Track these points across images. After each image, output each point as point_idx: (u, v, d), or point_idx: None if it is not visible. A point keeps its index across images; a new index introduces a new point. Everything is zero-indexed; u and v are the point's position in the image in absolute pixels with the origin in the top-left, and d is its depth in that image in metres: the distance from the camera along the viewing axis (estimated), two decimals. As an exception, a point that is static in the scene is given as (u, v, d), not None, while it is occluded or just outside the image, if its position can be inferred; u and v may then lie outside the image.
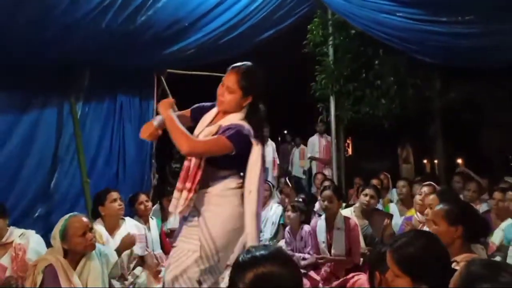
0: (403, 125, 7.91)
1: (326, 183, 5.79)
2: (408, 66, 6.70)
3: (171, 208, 2.47)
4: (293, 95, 10.39)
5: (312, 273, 3.99)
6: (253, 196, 2.36)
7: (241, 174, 2.46)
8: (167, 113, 2.41)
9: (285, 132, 11.42)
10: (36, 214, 4.61)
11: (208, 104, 2.63)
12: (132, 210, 4.20)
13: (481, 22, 4.31)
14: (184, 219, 2.50)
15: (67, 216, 2.88)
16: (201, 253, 2.36)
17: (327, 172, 7.68)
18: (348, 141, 14.08)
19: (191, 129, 2.55)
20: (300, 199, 4.78)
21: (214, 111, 2.56)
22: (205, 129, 2.48)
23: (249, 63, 2.51)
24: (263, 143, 2.45)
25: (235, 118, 2.44)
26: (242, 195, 2.42)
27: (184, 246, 2.40)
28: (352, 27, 6.55)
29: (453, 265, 2.18)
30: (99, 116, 5.17)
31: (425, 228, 3.55)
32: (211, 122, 2.52)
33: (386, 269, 1.86)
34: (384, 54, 6.72)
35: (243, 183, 2.44)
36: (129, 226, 3.68)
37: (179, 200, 2.40)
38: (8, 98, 4.56)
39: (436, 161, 9.33)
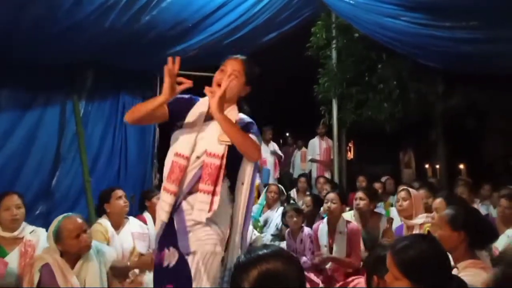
0: (405, 129, 7.91)
1: (326, 186, 5.81)
2: (411, 71, 6.71)
3: (196, 214, 2.26)
4: (296, 97, 10.40)
5: (312, 276, 3.99)
6: (245, 188, 2.30)
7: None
8: (223, 115, 2.22)
9: (287, 134, 11.41)
10: (37, 212, 4.61)
11: (186, 96, 2.47)
12: (147, 204, 4.15)
13: (485, 28, 4.30)
14: (183, 225, 2.30)
15: (60, 217, 2.85)
16: (223, 253, 2.32)
17: (327, 175, 7.68)
18: (349, 145, 14.08)
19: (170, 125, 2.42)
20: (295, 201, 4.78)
21: (203, 106, 2.39)
22: (211, 124, 2.33)
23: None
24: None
25: (235, 112, 2.39)
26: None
27: (207, 249, 2.27)
28: (356, 31, 6.56)
29: (455, 271, 2.18)
30: (102, 115, 5.18)
31: (415, 232, 3.59)
32: (207, 114, 2.36)
33: (384, 273, 1.87)
34: (387, 58, 6.73)
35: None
36: (133, 225, 3.71)
37: (206, 205, 2.24)
38: (11, 96, 4.56)
39: (437, 166, 9.32)
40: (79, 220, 2.82)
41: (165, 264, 2.31)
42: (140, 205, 4.28)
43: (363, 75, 7.03)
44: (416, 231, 3.63)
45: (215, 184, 2.24)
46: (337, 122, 7.16)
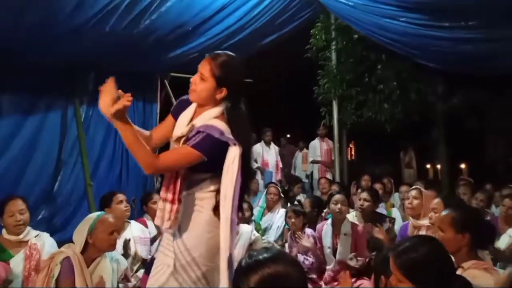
0: (406, 130, 7.90)
1: (334, 187, 5.79)
2: (411, 71, 6.70)
3: (157, 221, 2.17)
4: (296, 99, 10.41)
5: (315, 277, 3.99)
6: (228, 202, 2.07)
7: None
8: (122, 123, 2.01)
9: (288, 136, 11.41)
10: (40, 217, 4.64)
11: (185, 97, 2.31)
12: (144, 209, 4.18)
13: (484, 28, 4.31)
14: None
15: (99, 212, 2.98)
16: (175, 267, 2.13)
17: (329, 176, 7.68)
18: (350, 145, 14.07)
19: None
20: (301, 199, 4.78)
21: (192, 106, 2.25)
22: (187, 126, 2.18)
23: (229, 52, 2.22)
24: (242, 143, 2.11)
25: (210, 115, 2.15)
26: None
27: (161, 260, 2.19)
28: (355, 32, 6.56)
29: (459, 271, 2.17)
30: (103, 120, 5.08)
31: (421, 232, 3.56)
32: (190, 121, 2.22)
33: (391, 274, 1.87)
34: (387, 59, 6.73)
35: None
36: (134, 229, 3.71)
37: (164, 213, 2.14)
38: (13, 100, 4.59)
39: (438, 166, 9.32)
40: (114, 220, 2.91)
41: (152, 255, 2.42)
42: (141, 208, 4.30)
43: (363, 76, 7.03)
44: (422, 231, 3.61)
45: (174, 192, 2.14)
46: (338, 123, 7.16)
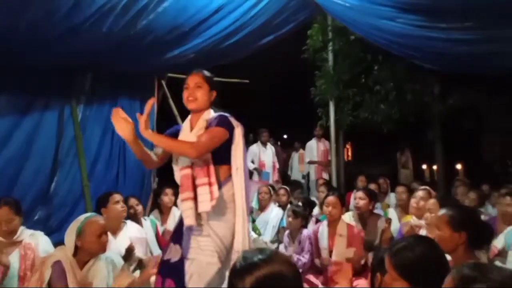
0: (402, 131, 7.93)
1: (322, 188, 5.81)
2: (407, 72, 6.73)
3: (188, 219, 2.47)
4: (293, 100, 10.43)
5: (311, 278, 4.00)
6: (240, 172, 2.55)
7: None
8: (149, 133, 2.45)
9: (285, 136, 11.43)
10: (36, 217, 4.63)
11: (177, 126, 2.83)
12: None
13: (480, 28, 4.32)
14: (189, 229, 2.53)
15: (87, 214, 2.95)
16: (220, 264, 2.47)
17: (325, 176, 7.69)
18: (347, 146, 14.11)
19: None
20: (300, 203, 4.80)
21: (187, 121, 2.71)
22: (192, 133, 2.61)
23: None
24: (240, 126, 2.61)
25: (209, 114, 2.64)
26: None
27: (202, 259, 2.46)
28: (352, 33, 6.59)
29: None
30: (100, 120, 5.19)
31: (421, 232, 3.57)
32: (192, 129, 2.64)
33: (386, 272, 1.88)
34: (383, 60, 6.76)
35: None
36: (131, 229, 3.70)
37: (207, 195, 2.45)
38: (9, 100, 4.58)
39: (435, 167, 9.35)
40: (103, 222, 2.89)
41: (167, 257, 2.58)
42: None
43: (360, 77, 7.06)
44: (422, 231, 3.62)
45: (208, 175, 2.48)
46: (334, 124, 7.18)
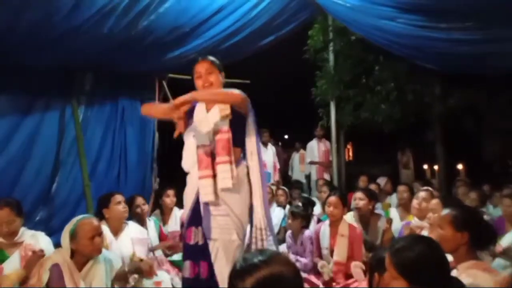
0: (403, 131, 7.93)
1: (324, 188, 5.82)
2: (408, 72, 6.73)
3: (207, 196, 2.62)
4: (294, 100, 10.43)
5: (312, 278, 4.00)
6: (254, 156, 2.71)
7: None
8: (191, 95, 2.66)
9: (286, 137, 11.43)
10: (38, 218, 4.63)
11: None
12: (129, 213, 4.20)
13: (481, 29, 4.32)
14: (207, 210, 2.65)
15: (80, 216, 2.93)
16: (240, 240, 2.66)
17: (326, 177, 7.69)
18: (348, 146, 14.11)
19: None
20: (300, 204, 4.80)
21: (201, 105, 2.84)
22: (211, 111, 2.76)
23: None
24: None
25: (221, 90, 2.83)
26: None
27: (224, 238, 2.62)
28: (353, 33, 6.59)
29: (459, 271, 2.18)
30: (101, 120, 5.20)
31: (423, 233, 3.57)
32: (208, 111, 2.79)
33: (385, 272, 1.88)
34: (384, 60, 6.76)
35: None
36: (132, 230, 3.71)
37: (228, 173, 2.61)
38: (10, 101, 4.59)
39: (436, 167, 9.34)
40: (96, 223, 2.88)
41: (194, 241, 2.69)
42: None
43: (361, 77, 7.06)
44: (423, 233, 3.62)
45: (229, 154, 2.63)
46: (335, 124, 7.18)
